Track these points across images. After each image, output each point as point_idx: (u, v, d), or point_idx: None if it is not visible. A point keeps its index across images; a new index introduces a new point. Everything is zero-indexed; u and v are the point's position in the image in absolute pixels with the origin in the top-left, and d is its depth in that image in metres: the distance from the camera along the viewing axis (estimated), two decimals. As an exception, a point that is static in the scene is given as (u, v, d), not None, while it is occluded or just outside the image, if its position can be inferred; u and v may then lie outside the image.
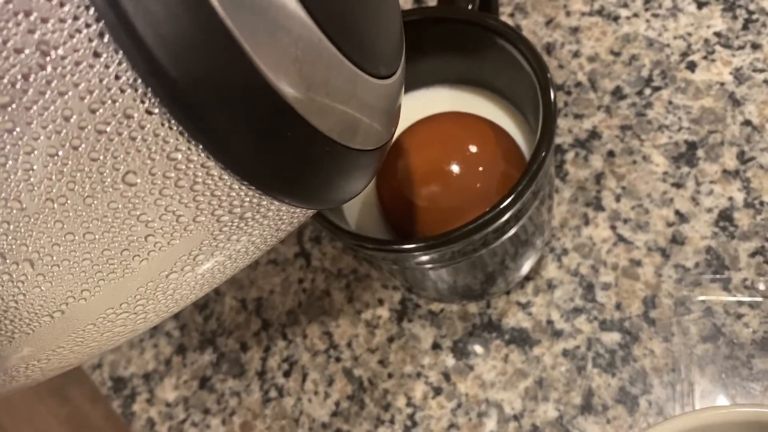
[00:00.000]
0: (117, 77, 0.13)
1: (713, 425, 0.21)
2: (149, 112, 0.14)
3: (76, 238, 0.15)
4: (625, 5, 0.38)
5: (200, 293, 0.20)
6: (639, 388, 0.31)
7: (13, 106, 0.13)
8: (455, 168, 0.28)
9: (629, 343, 0.31)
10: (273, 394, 0.35)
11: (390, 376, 0.34)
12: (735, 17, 0.36)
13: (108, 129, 0.14)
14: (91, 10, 0.13)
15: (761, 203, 0.32)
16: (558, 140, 0.36)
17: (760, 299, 0.31)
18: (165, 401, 0.37)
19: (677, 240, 0.32)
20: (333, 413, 0.34)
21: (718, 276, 0.31)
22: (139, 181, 0.15)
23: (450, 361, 0.33)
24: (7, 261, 0.15)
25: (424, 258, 0.27)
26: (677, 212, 0.33)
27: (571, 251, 0.33)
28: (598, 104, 0.36)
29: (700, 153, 0.34)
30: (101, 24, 0.13)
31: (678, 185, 0.33)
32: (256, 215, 0.17)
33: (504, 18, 0.40)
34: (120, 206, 0.15)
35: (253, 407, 0.35)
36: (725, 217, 0.32)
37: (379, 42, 0.18)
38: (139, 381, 0.38)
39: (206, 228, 0.16)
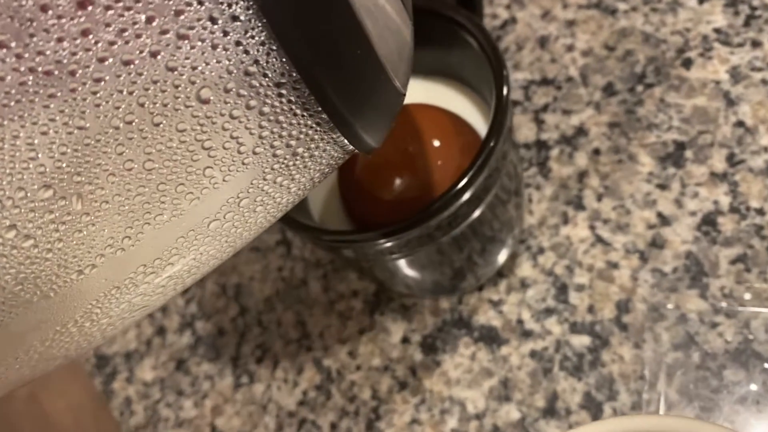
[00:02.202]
0: None
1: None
2: (234, 18, 0.13)
3: (135, 167, 0.14)
4: (624, -1, 0.36)
5: (221, 257, 0.18)
6: (605, 394, 0.30)
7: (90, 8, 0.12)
8: (415, 160, 0.27)
9: (599, 348, 0.30)
10: (244, 379, 0.35)
11: (358, 368, 0.34)
12: (737, 13, 0.34)
13: (190, 34, 0.13)
14: None
15: (747, 208, 0.30)
16: (543, 136, 0.35)
17: (737, 309, 0.29)
18: (143, 381, 0.37)
19: (657, 243, 0.31)
20: (300, 402, 0.34)
21: (695, 282, 0.30)
22: (212, 97, 0.14)
23: (418, 356, 0.33)
24: (56, 194, 0.13)
25: (383, 247, 0.27)
26: (659, 214, 0.32)
27: (547, 250, 0.33)
28: (587, 100, 0.35)
29: (688, 154, 0.32)
30: None
31: (663, 186, 0.32)
32: (305, 153, 0.16)
33: (500, 9, 0.39)
34: (188, 128, 0.14)
35: (224, 392, 0.36)
36: (709, 221, 0.31)
37: None
38: (120, 360, 0.38)
39: (260, 164, 0.15)
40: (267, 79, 0.14)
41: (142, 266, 0.16)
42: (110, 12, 0.12)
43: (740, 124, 0.32)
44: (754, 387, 0.28)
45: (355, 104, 0.16)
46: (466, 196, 0.25)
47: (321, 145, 0.16)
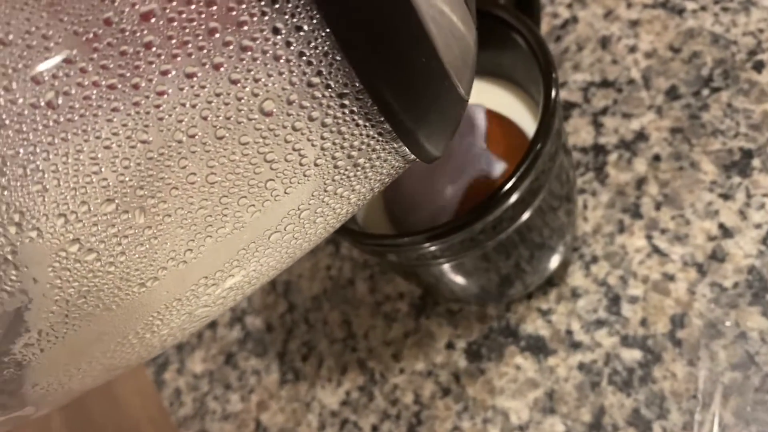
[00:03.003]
0: None
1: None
2: (298, 28, 0.13)
3: (198, 180, 0.14)
4: (693, -3, 0.35)
5: (280, 267, 0.18)
6: (654, 412, 0.28)
7: (154, 20, 0.12)
8: (460, 166, 0.26)
9: (650, 363, 0.29)
10: (290, 376, 0.36)
11: (401, 371, 0.33)
12: (816, 13, 0.32)
13: (253, 45, 0.13)
14: None
15: (819, 222, 0.28)
16: (602, 140, 0.33)
17: (803, 329, 0.27)
18: (193, 373, 0.38)
19: (717, 256, 0.29)
20: (343, 402, 0.34)
21: (758, 299, 0.28)
22: (275, 110, 0.13)
23: (462, 362, 0.32)
24: (119, 208, 0.14)
25: (426, 251, 0.27)
26: (721, 226, 0.30)
27: (601, 259, 0.31)
28: (649, 104, 0.33)
29: (755, 162, 0.30)
30: None
31: (726, 196, 0.30)
32: (366, 163, 0.16)
33: (561, 8, 0.37)
34: (251, 141, 0.14)
35: (270, 387, 0.36)
36: (775, 234, 0.29)
37: None
38: (172, 350, 0.39)
39: (322, 175, 0.15)
40: (330, 90, 0.14)
41: (203, 278, 0.16)
42: (173, 24, 0.12)
43: (814, 132, 0.30)
44: (818, 413, 0.26)
45: (419, 113, 0.15)
46: (512, 199, 0.24)
47: (383, 155, 0.16)
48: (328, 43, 0.13)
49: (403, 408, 0.33)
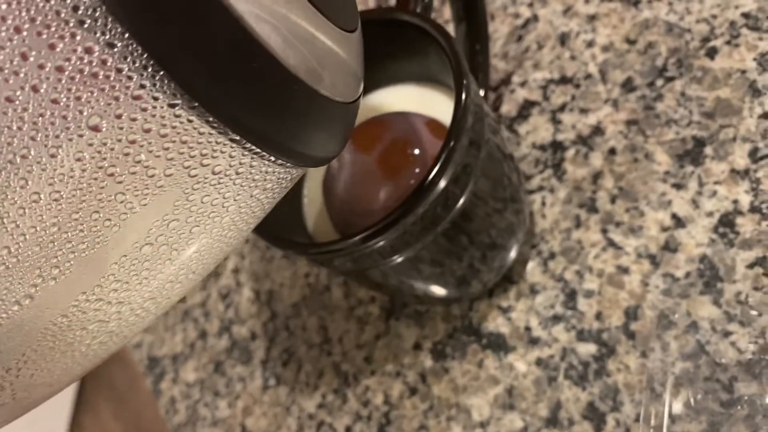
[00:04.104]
0: (75, 9, 0.13)
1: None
2: (111, 45, 0.13)
3: (42, 198, 0.14)
4: (648, -12, 0.34)
5: (179, 285, 0.19)
6: (608, 404, 0.28)
7: None
8: (393, 169, 0.27)
9: (604, 356, 0.29)
10: (272, 382, 0.37)
11: (372, 373, 0.34)
12: (769, -5, 0.31)
13: (68, 66, 0.13)
14: None
15: (770, 207, 0.28)
16: (560, 137, 0.34)
17: (754, 315, 0.27)
18: (186, 382, 0.40)
19: (670, 246, 0.29)
20: (319, 405, 0.35)
21: (709, 288, 0.28)
22: (104, 125, 0.14)
23: (428, 362, 0.33)
24: None
25: (368, 251, 0.27)
26: (674, 216, 0.30)
27: (558, 255, 0.32)
28: (605, 97, 0.33)
29: (708, 150, 0.30)
30: None
31: (679, 186, 0.30)
32: (229, 169, 0.16)
33: (523, 8, 0.38)
34: (86, 156, 0.14)
35: (254, 393, 0.37)
36: (726, 222, 0.29)
37: None
38: (168, 361, 0.41)
39: (178, 184, 0.15)
40: (158, 101, 0.14)
41: (82, 294, 0.17)
42: None
43: (766, 115, 0.29)
44: (769, 401, 0.26)
45: (267, 118, 0.15)
46: (434, 192, 0.24)
47: (246, 160, 0.16)
48: (144, 56, 0.13)
49: (373, 409, 0.33)
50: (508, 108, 0.36)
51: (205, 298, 0.42)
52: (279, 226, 0.29)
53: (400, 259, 0.28)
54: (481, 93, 0.33)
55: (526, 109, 0.35)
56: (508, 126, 0.35)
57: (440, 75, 0.29)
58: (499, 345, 0.32)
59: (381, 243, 0.26)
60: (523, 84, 0.36)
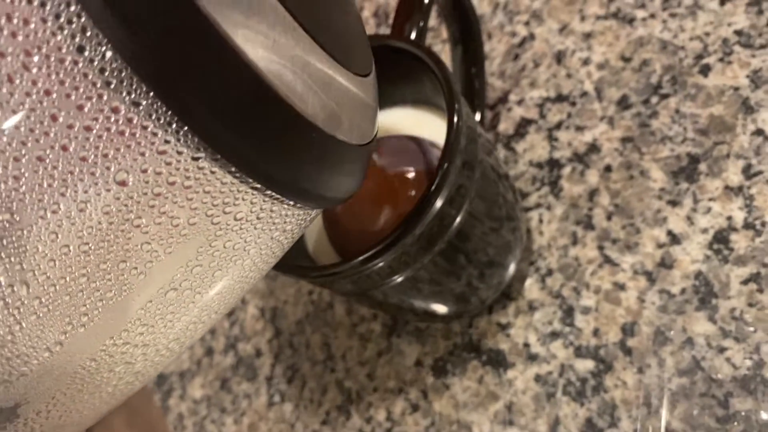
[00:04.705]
0: (102, 71, 0.13)
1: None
2: (136, 104, 0.14)
3: (72, 250, 0.15)
4: (643, 5, 0.35)
5: (201, 326, 0.20)
6: (606, 420, 0.29)
7: None
8: (390, 193, 0.28)
9: (602, 372, 0.29)
10: (277, 398, 0.37)
11: (375, 389, 0.35)
12: (761, 12, 0.32)
13: (96, 126, 0.14)
14: (72, 6, 0.13)
15: (763, 224, 0.28)
16: (556, 154, 0.34)
17: (748, 332, 0.27)
18: (193, 398, 0.40)
19: (666, 263, 0.30)
20: (323, 422, 0.35)
21: (704, 304, 0.28)
22: (131, 180, 0.15)
23: (429, 378, 0.33)
24: (2, 284, 0.15)
25: (368, 273, 0.28)
26: (669, 233, 0.30)
27: (555, 272, 0.32)
28: (601, 115, 0.34)
29: (702, 167, 0.30)
30: (83, 19, 0.13)
31: (674, 203, 0.30)
32: (250, 215, 0.17)
33: (520, 26, 0.38)
34: (114, 209, 0.15)
35: (259, 410, 0.38)
36: (721, 238, 0.29)
37: (351, 41, 0.19)
38: (176, 378, 0.42)
39: (201, 232, 0.16)
40: (182, 155, 0.15)
41: (110, 338, 0.17)
42: (15, 117, 0.14)
43: (759, 132, 0.30)
44: (765, 416, 0.26)
45: (287, 166, 0.16)
46: (430, 213, 0.25)
47: (266, 206, 0.17)
48: (169, 113, 0.14)
49: (376, 425, 0.34)
50: (505, 126, 0.36)
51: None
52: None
53: (399, 279, 0.29)
54: (477, 117, 0.34)
55: (523, 127, 0.36)
56: (505, 144, 0.36)
57: (435, 98, 0.29)
58: (498, 361, 0.32)
59: (380, 264, 0.27)
60: (520, 102, 0.36)
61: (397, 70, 0.28)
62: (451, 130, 0.24)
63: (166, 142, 0.14)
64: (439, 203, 0.25)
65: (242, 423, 0.38)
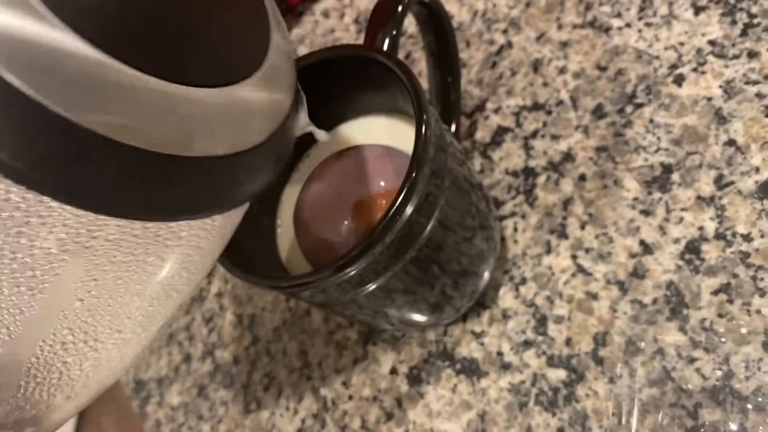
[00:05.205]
0: None
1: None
2: None
3: None
4: (619, 15, 0.35)
5: (144, 329, 0.21)
6: (577, 430, 0.29)
7: None
8: (361, 202, 0.28)
9: (574, 382, 0.29)
10: (253, 406, 0.37)
11: (350, 397, 0.35)
12: (734, 22, 0.32)
13: None
14: None
15: (734, 234, 0.28)
16: (531, 163, 0.34)
17: (719, 342, 0.27)
18: (171, 405, 0.40)
19: (638, 273, 0.30)
20: (299, 430, 0.35)
21: (675, 314, 0.28)
22: None
23: (404, 387, 0.33)
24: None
25: (340, 282, 0.28)
26: (642, 242, 0.30)
27: (529, 280, 0.32)
28: (576, 124, 0.34)
29: (675, 177, 0.31)
30: None
31: (647, 212, 0.30)
32: (123, 234, 0.17)
33: (498, 34, 0.38)
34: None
35: (236, 417, 0.38)
36: (692, 249, 0.29)
37: (229, 45, 0.18)
38: (154, 384, 0.42)
39: (78, 254, 0.17)
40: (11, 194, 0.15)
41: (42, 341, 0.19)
42: None
43: (731, 142, 0.30)
44: (733, 427, 0.26)
45: (141, 194, 0.17)
46: (399, 222, 0.25)
47: (136, 224, 0.18)
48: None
49: (351, 433, 0.34)
50: (482, 134, 0.36)
51: (190, 322, 0.42)
52: (251, 258, 0.29)
53: (371, 288, 0.29)
54: (453, 127, 0.34)
55: (499, 135, 0.36)
56: (482, 152, 0.36)
57: (406, 107, 0.29)
58: (472, 370, 0.32)
59: (351, 273, 0.27)
60: (497, 110, 0.36)
61: (370, 80, 0.28)
62: (419, 140, 0.24)
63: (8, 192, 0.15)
64: (408, 210, 0.25)
65: (219, 430, 0.38)
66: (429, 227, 0.27)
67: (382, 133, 0.31)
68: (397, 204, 0.25)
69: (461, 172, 0.28)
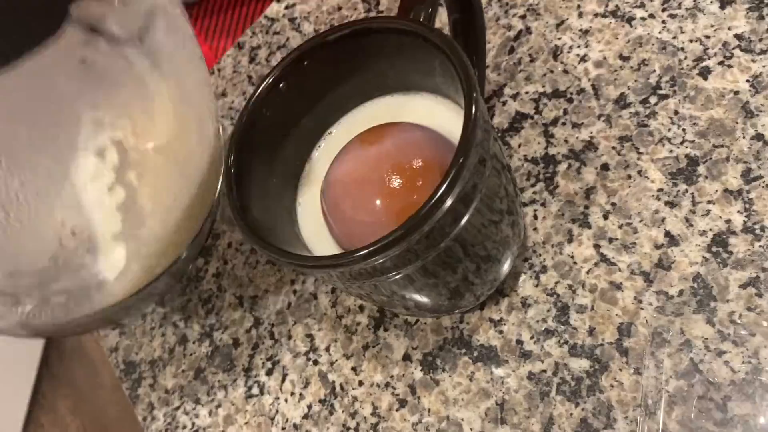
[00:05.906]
0: None
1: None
2: None
3: None
4: (642, 5, 0.35)
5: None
6: (601, 421, 0.28)
7: None
8: (395, 181, 0.27)
9: (598, 372, 0.29)
10: (255, 390, 0.36)
11: (361, 383, 0.34)
12: (761, 17, 0.32)
13: None
14: None
15: (762, 228, 0.29)
16: (552, 151, 0.34)
17: (746, 336, 0.27)
18: (165, 388, 0.39)
19: (663, 264, 0.30)
20: (305, 415, 0.34)
21: (702, 307, 0.28)
22: None
23: (418, 374, 0.33)
24: None
25: (369, 267, 0.27)
26: (668, 234, 0.30)
27: (550, 269, 0.32)
28: (599, 113, 0.33)
29: (701, 169, 0.30)
30: None
31: (672, 204, 0.30)
32: None
33: (516, 19, 0.38)
34: None
35: (236, 402, 0.36)
36: (719, 242, 0.29)
37: None
38: (146, 367, 0.40)
39: None
40: None
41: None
42: None
43: (759, 137, 0.30)
44: (762, 420, 0.26)
45: None
46: (441, 210, 0.24)
47: None
48: None
49: (361, 420, 0.33)
50: (499, 120, 0.36)
51: (185, 303, 0.41)
52: (272, 235, 0.28)
53: (397, 276, 0.28)
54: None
55: (518, 121, 0.35)
56: (500, 138, 0.35)
57: (444, 85, 0.28)
58: (490, 358, 0.31)
59: (382, 260, 0.26)
60: (515, 96, 0.36)
61: (408, 55, 0.28)
62: (469, 123, 0.24)
63: None
64: (450, 201, 0.24)
65: (218, 414, 0.37)
66: (467, 216, 0.26)
67: (419, 112, 0.30)
68: (441, 192, 0.24)
69: (495, 150, 0.27)
